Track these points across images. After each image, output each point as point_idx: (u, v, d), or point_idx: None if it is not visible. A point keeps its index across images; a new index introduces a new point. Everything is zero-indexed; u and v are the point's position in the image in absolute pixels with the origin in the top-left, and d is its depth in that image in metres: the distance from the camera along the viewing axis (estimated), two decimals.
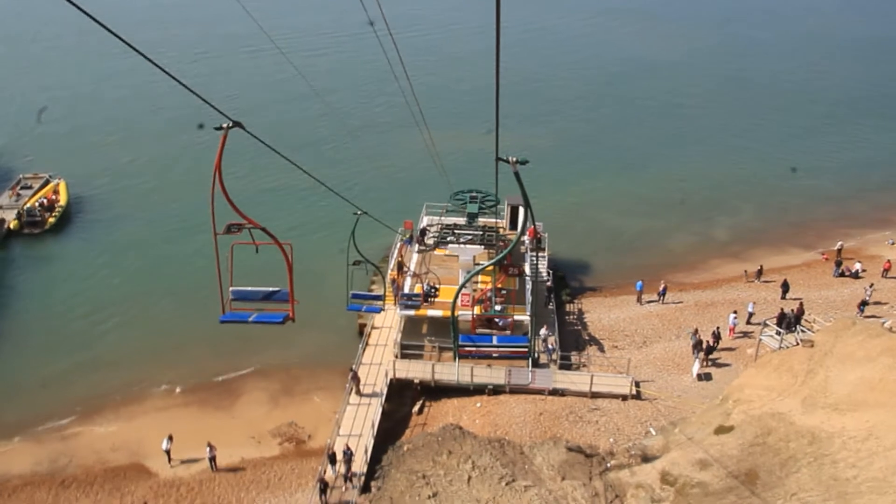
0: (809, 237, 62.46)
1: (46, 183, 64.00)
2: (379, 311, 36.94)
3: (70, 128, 77.23)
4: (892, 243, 60.83)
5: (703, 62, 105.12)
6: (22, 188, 63.04)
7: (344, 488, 33.75)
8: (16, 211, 59.27)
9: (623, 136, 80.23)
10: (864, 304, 47.42)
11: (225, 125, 13.22)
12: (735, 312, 47.27)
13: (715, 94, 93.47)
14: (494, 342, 32.77)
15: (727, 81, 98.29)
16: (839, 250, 57.19)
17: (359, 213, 30.27)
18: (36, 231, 58.31)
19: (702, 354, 43.10)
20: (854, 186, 71.12)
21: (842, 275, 54.66)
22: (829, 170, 74.26)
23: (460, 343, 29.20)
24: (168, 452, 36.76)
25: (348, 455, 33.97)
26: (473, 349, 31.22)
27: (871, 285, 49.35)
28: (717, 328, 45.08)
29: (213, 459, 36.45)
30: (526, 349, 30.34)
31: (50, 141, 74.64)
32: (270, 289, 18.47)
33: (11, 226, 58.09)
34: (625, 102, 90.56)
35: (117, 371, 43.87)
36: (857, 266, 55.06)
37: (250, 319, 17.87)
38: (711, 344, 43.95)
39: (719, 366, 43.43)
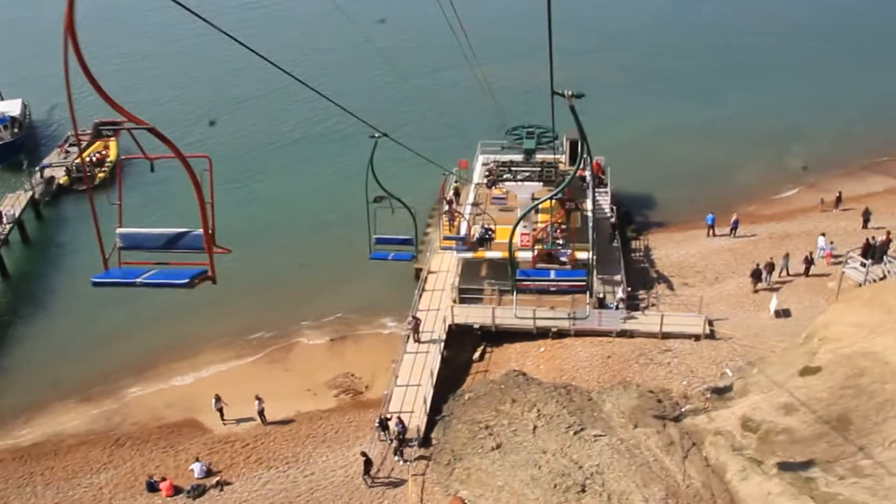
0: (890, 162, 58.58)
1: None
2: (410, 257, 32.19)
3: (120, 85, 75.88)
4: None
5: None
6: (70, 145, 62.16)
7: (395, 461, 31.66)
8: (65, 167, 58.46)
9: (687, 64, 75.91)
10: None
11: None
12: (824, 235, 44.60)
13: (783, 17, 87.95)
14: (552, 276, 30.89)
15: (797, 2, 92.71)
16: None
17: (378, 135, 25.32)
18: (86, 186, 57.54)
19: (759, 284, 41.84)
20: None
21: None
22: None
23: (517, 278, 27.26)
24: (220, 411, 35.68)
25: (401, 427, 31.85)
26: (531, 283, 29.28)
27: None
28: (810, 253, 42.91)
29: (262, 412, 35.33)
30: (584, 283, 28.40)
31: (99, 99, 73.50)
32: (174, 230, 12.46)
33: (62, 182, 57.39)
34: (686, 29, 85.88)
35: (170, 326, 42.88)
36: None
37: (139, 280, 11.75)
38: (805, 270, 42.49)
39: (798, 301, 40.65)
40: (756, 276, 41.94)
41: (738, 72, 73.82)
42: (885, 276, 38.05)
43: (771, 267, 42.23)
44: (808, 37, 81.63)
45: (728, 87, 70.68)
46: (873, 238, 41.26)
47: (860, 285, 38.62)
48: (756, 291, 41.95)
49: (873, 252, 39.33)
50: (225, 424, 35.66)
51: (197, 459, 32.57)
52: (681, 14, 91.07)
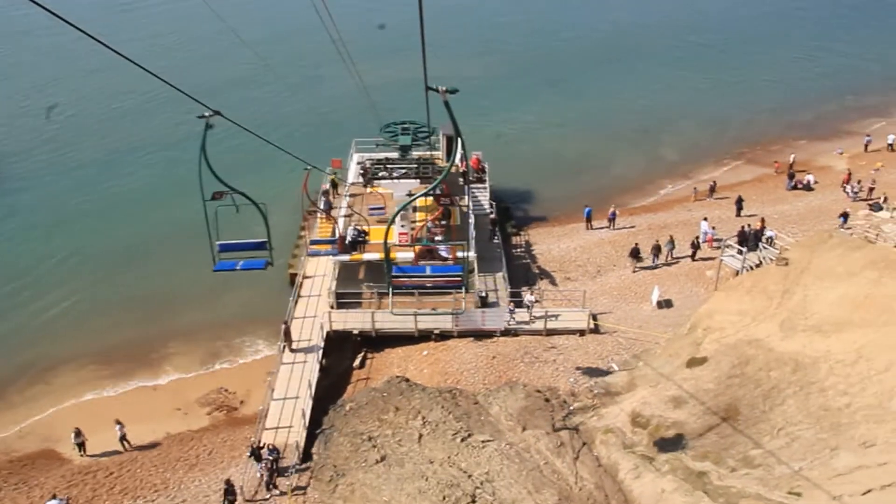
0: (758, 151, 60.31)
1: None
2: (263, 265, 25.66)
3: None
4: (841, 153, 58.75)
5: None
6: None
7: (269, 496, 28.97)
8: None
9: (561, 60, 76.40)
10: (845, 215, 45.05)
11: None
12: (706, 219, 45.42)
13: (653, 13, 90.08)
14: (428, 272, 29.91)
15: (664, 2, 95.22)
16: (791, 163, 54.83)
17: (209, 114, 20.15)
18: None
19: (638, 263, 43.21)
20: (797, 99, 68.70)
21: (794, 188, 52.47)
22: (772, 84, 71.64)
23: (393, 274, 25.96)
24: (80, 446, 32.50)
25: (274, 455, 29.35)
26: (406, 279, 28.12)
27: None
28: (697, 238, 43.88)
29: (123, 438, 32.51)
30: (459, 278, 27.53)
31: None
32: None
33: None
34: (561, 26, 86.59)
35: (22, 347, 39.37)
36: (809, 178, 52.93)
37: None
38: (692, 255, 43.55)
39: (679, 291, 40.73)
40: (634, 254, 42.78)
41: (611, 66, 74.81)
42: (760, 263, 38.37)
43: (658, 249, 42.96)
44: (677, 32, 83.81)
45: (601, 82, 71.46)
46: (748, 225, 41.81)
47: (737, 273, 38.90)
48: (635, 271, 42.90)
49: (748, 239, 39.71)
50: (82, 456, 32.52)
51: (54, 496, 29.33)
52: (554, 11, 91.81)
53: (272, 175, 49.44)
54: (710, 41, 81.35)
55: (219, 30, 64.22)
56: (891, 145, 58.62)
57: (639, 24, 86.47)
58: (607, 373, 34.35)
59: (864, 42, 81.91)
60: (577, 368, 34.96)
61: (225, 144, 54.30)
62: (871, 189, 49.77)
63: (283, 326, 36.48)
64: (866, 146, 58.91)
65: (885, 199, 48.25)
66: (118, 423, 32.44)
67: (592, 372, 34.71)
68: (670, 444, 26.62)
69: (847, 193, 50.14)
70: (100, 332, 40.48)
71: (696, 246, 43.45)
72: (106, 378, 37.91)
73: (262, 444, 29.93)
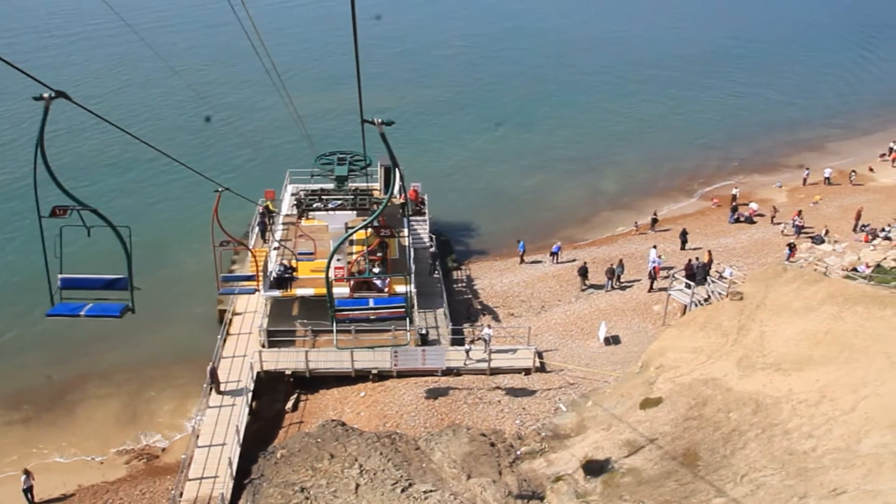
0: (699, 184, 60.37)
1: None
2: (119, 311, 18.23)
3: None
4: (780, 186, 58.84)
5: (579, 19, 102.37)
6: None
7: None
8: None
9: (501, 92, 76.20)
10: (791, 246, 44.69)
11: None
12: (655, 247, 44.49)
13: (592, 50, 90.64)
14: (371, 304, 28.35)
15: (605, 38, 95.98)
16: (734, 196, 54.45)
17: (49, 95, 13.94)
18: None
19: (587, 280, 43.58)
20: (737, 134, 69.26)
21: (737, 220, 52.02)
22: (712, 120, 72.25)
23: (336, 308, 24.29)
24: None
25: None
26: (350, 312, 26.59)
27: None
28: (653, 268, 42.73)
29: (29, 491, 29.40)
30: (403, 309, 26.16)
31: None
32: None
33: None
34: (500, 58, 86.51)
35: None
36: (754, 206, 52.95)
37: None
38: (650, 286, 42.91)
39: (626, 327, 39.37)
40: (583, 273, 42.93)
41: (552, 101, 74.57)
42: (709, 298, 37.24)
43: (611, 272, 42.61)
44: (620, 68, 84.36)
45: (544, 116, 71.12)
46: (696, 259, 40.77)
47: (686, 308, 37.70)
48: (584, 289, 43.23)
49: (696, 273, 38.60)
50: None
51: None
52: (495, 43, 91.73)
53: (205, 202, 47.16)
54: (653, 78, 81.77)
55: (154, 65, 62.20)
56: (828, 179, 58.85)
57: (580, 59, 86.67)
58: (555, 413, 32.62)
59: (801, 79, 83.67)
60: (524, 409, 33.18)
61: (151, 173, 52.14)
62: (801, 227, 49.49)
63: (209, 367, 33.92)
64: (804, 180, 59.13)
65: (827, 232, 48.05)
66: (26, 472, 29.40)
67: (539, 413, 32.95)
68: (627, 492, 24.84)
69: (791, 228, 49.72)
70: (5, 373, 37.19)
71: (652, 277, 42.63)
72: (11, 424, 34.69)
73: None
